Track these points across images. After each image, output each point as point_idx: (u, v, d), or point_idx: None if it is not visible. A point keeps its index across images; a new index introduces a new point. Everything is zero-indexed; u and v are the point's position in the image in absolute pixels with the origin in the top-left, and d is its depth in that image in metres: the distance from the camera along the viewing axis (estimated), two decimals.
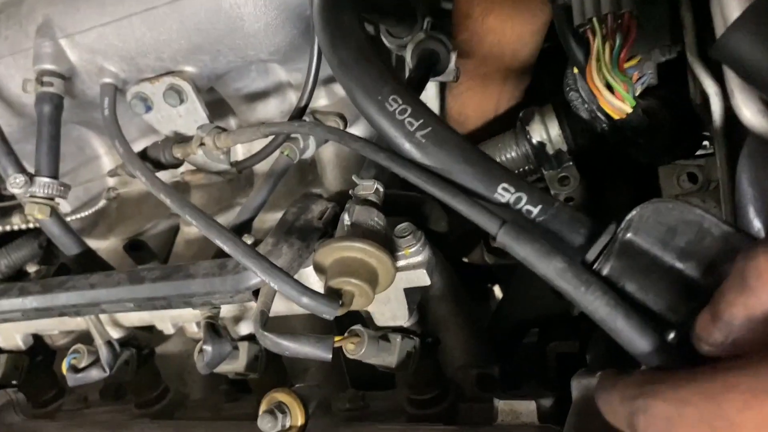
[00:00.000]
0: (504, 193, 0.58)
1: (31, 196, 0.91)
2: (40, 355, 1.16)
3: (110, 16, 0.89)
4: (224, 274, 0.79)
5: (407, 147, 0.62)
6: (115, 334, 0.99)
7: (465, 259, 1.34)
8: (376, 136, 1.11)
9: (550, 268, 0.53)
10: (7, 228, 1.15)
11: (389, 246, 0.75)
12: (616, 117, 0.69)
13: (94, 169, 1.28)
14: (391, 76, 0.64)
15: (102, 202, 1.09)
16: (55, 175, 0.93)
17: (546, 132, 1.06)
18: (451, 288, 1.01)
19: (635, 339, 0.50)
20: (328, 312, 0.69)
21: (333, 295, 0.70)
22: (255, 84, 1.08)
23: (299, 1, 0.86)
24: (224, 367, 0.91)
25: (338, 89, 1.07)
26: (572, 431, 0.63)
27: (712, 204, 0.75)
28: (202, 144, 0.89)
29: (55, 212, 0.95)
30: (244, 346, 0.92)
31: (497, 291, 1.56)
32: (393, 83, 0.63)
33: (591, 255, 0.54)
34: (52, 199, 0.93)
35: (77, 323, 1.01)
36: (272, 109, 1.12)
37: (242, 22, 0.85)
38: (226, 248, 0.73)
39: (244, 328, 0.94)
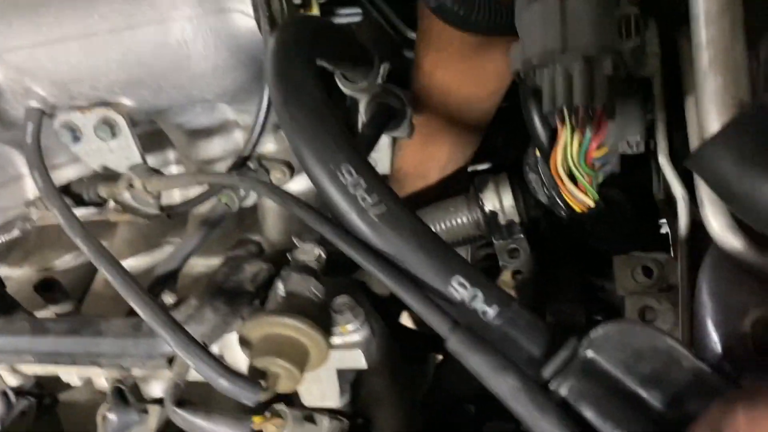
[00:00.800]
0: (459, 288, 0.52)
1: None
2: None
3: (45, 36, 0.81)
4: (138, 337, 0.72)
5: (358, 224, 0.56)
6: (13, 381, 0.89)
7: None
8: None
9: (503, 386, 0.47)
10: None
11: (325, 321, 0.69)
12: (577, 209, 0.66)
13: (15, 190, 1.17)
14: (348, 143, 0.58)
15: (15, 232, 0.99)
16: None
17: (499, 201, 1.02)
18: (389, 361, 0.95)
19: None
20: (249, 398, 0.62)
21: (256, 375, 0.64)
22: (199, 120, 1.01)
23: (253, 44, 0.80)
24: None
25: None
26: None
27: (668, 306, 0.72)
28: (130, 186, 0.82)
29: None
30: (155, 411, 0.84)
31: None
32: (348, 151, 0.57)
33: (548, 371, 0.49)
34: None
35: None
36: (216, 147, 1.04)
37: (189, 60, 0.79)
38: (140, 312, 0.65)
39: (157, 389, 0.86)
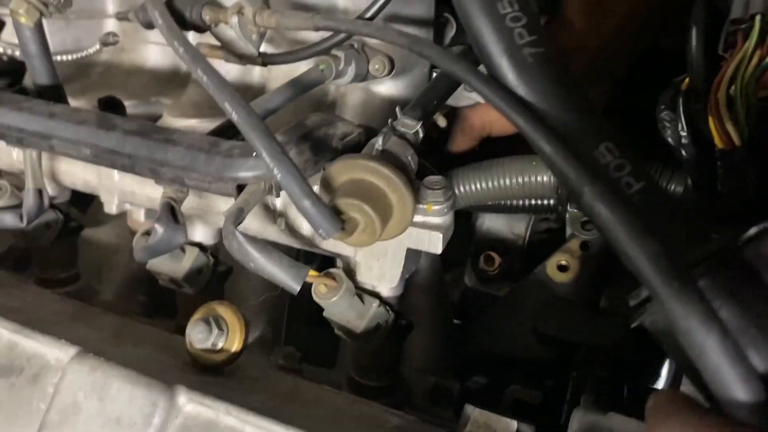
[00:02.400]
0: (606, 154, 0.47)
1: None
2: None
3: None
4: (213, 153, 0.66)
5: (506, 63, 0.50)
6: (50, 189, 0.84)
7: None
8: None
9: (640, 251, 0.41)
10: None
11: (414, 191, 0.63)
12: (719, 143, 0.60)
13: (95, 24, 1.13)
14: None
15: (95, 47, 0.95)
16: None
17: None
18: (438, 283, 0.89)
19: (730, 379, 0.38)
20: (327, 230, 0.56)
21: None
22: None
23: None
24: (162, 265, 0.77)
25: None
26: None
27: None
28: (239, 13, 0.77)
29: (41, 25, 0.80)
30: (192, 252, 0.78)
31: None
32: None
33: (691, 258, 0.43)
34: (47, 6, 0.79)
35: (10, 161, 0.86)
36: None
37: None
38: (235, 115, 0.60)
39: (199, 234, 0.80)
